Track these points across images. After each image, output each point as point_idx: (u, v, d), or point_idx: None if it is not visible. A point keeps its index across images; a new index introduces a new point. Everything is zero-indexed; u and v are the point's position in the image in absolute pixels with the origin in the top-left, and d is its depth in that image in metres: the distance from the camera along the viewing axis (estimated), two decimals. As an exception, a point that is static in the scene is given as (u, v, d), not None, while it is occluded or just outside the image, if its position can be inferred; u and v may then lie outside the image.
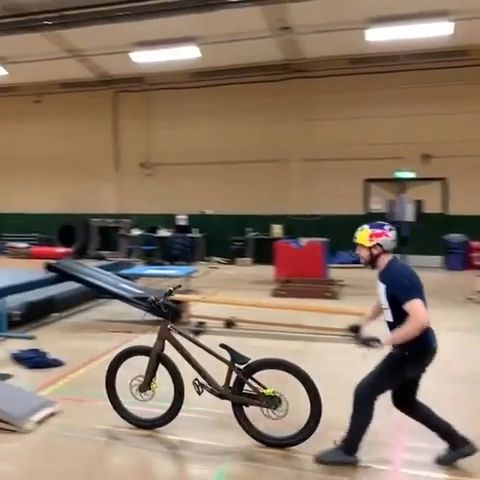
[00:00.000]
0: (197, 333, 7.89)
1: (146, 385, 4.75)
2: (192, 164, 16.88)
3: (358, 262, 4.38)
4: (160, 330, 4.82)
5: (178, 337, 4.81)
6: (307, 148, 15.97)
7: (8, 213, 18.51)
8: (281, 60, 15.74)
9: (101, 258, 15.50)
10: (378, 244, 4.12)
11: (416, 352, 3.97)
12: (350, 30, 13.25)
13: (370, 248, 4.14)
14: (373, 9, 12.55)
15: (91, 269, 10.01)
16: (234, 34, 13.59)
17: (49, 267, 9.72)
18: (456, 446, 4.16)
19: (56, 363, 6.63)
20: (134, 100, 17.52)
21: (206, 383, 4.63)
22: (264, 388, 4.47)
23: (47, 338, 7.82)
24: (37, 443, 4.68)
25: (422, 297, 3.97)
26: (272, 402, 4.42)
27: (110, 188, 17.93)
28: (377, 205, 13.42)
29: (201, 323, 8.31)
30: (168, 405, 4.75)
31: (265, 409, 4.45)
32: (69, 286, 9.74)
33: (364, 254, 4.19)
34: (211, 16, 12.13)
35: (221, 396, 4.59)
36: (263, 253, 14.75)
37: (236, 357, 4.52)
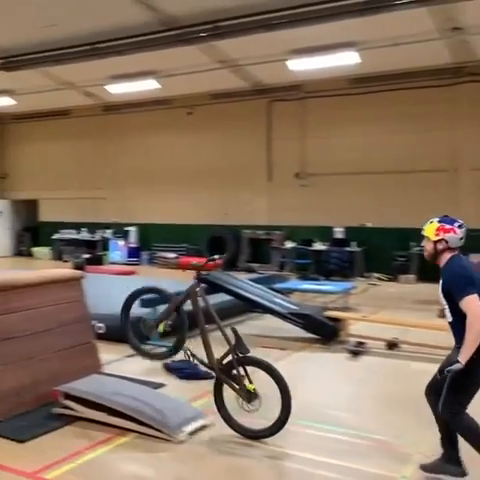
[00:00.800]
0: (356, 353, 7.69)
1: (156, 324, 5.51)
2: (349, 174, 16.68)
3: None
4: (190, 287, 5.69)
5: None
6: (482, 157, 15.18)
7: (159, 223, 19.49)
8: (451, 63, 15.10)
9: (252, 271, 15.75)
10: (444, 239, 4.16)
11: None
12: None
13: (435, 242, 4.20)
14: None
15: (242, 281, 10.14)
16: (397, 38, 13.25)
17: (199, 278, 10.01)
18: (450, 460, 4.20)
19: (207, 376, 6.74)
20: (289, 109, 17.70)
21: (197, 355, 5.41)
22: (249, 382, 5.01)
23: (197, 349, 8.00)
24: (187, 454, 4.77)
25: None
26: (249, 395, 4.98)
27: (262, 199, 18.22)
28: None
29: (360, 343, 8.09)
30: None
31: (240, 399, 5.02)
32: (219, 298, 9.95)
33: (428, 247, 4.26)
34: (372, 20, 11.94)
35: (210, 367, 5.30)
36: (429, 270, 14.05)
37: (240, 345, 5.13)
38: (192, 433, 5.08)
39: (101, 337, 7.44)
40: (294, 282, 13.02)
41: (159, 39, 13.83)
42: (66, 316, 6.42)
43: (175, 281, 12.58)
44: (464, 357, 3.91)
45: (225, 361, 5.22)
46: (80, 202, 20.70)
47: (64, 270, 6.43)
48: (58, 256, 20.27)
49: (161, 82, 17.19)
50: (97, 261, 18.81)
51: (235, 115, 18.21)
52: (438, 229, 4.19)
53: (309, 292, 11.45)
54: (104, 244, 20.32)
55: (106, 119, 20.54)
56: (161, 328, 5.54)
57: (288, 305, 9.20)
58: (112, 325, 8.33)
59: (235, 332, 5.16)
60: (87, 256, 18.70)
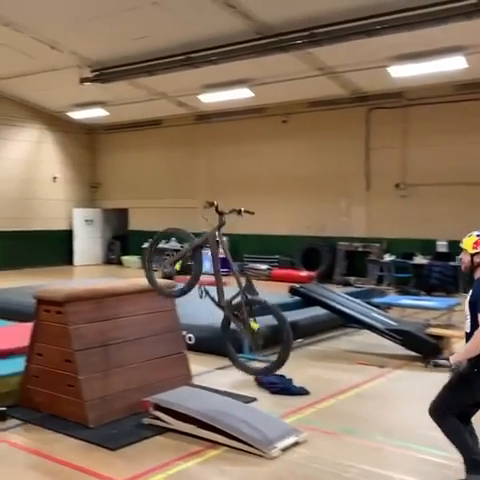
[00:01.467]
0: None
1: (173, 262, 6.11)
2: (454, 184, 16.15)
3: None
4: (209, 232, 6.15)
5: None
6: None
7: (250, 233, 19.61)
8: None
9: (348, 284, 15.57)
10: None
11: None
12: None
13: (472, 255, 4.38)
14: None
15: (338, 295, 10.07)
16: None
17: (293, 291, 10.03)
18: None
19: (301, 391, 6.74)
20: (389, 116, 17.38)
21: (211, 295, 5.72)
22: (254, 322, 5.45)
23: (290, 364, 7.88)
24: (280, 470, 4.76)
25: None
26: (252, 333, 5.48)
27: (359, 210, 17.98)
28: None
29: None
30: None
31: (248, 339, 5.69)
32: (314, 311, 9.91)
33: (466, 260, 4.43)
34: (480, 23, 11.64)
35: (219, 306, 5.70)
36: None
37: (250, 288, 5.55)
38: (285, 449, 5.07)
39: (190, 348, 7.56)
40: (393, 297, 12.81)
41: (254, 47, 14.00)
42: (157, 325, 6.58)
43: (266, 293, 12.66)
44: (455, 357, 4.27)
45: (234, 302, 5.60)
46: (170, 211, 21.15)
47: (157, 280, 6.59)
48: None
49: (254, 90, 17.37)
50: (187, 271, 19.09)
51: (332, 123, 18.09)
52: (476, 242, 4.37)
53: (409, 308, 11.21)
54: (193, 254, 20.58)
55: (197, 128, 20.95)
56: (178, 267, 6.20)
57: (386, 320, 9.04)
58: (202, 336, 8.48)
59: (247, 277, 5.71)
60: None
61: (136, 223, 22.87)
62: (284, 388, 6.78)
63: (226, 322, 5.72)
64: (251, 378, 7.14)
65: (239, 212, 5.98)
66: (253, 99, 17.94)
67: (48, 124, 22.09)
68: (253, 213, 5.99)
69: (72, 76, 16.85)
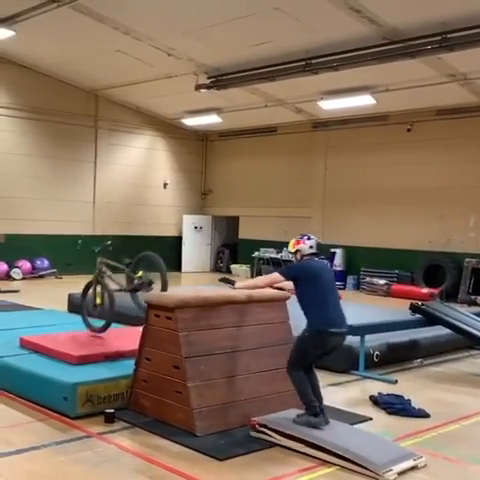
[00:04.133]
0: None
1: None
2: None
3: None
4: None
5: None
6: None
7: (367, 246, 19.29)
8: None
9: (474, 303, 15.00)
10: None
11: (312, 334, 5.63)
12: None
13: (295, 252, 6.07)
14: None
15: (464, 314, 9.72)
16: None
17: (414, 308, 9.76)
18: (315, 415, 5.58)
19: (420, 413, 6.54)
20: None
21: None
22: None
23: (408, 384, 7.82)
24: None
25: (308, 282, 5.76)
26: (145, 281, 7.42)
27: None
28: None
29: None
30: None
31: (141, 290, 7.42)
32: (436, 331, 9.63)
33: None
34: None
35: (123, 290, 7.60)
36: None
37: (130, 263, 7.54)
38: (401, 473, 4.92)
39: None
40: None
41: (378, 53, 13.86)
42: (269, 337, 6.58)
43: (384, 309, 12.43)
44: (238, 286, 6.20)
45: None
46: (282, 220, 21.19)
47: (269, 290, 6.63)
48: (257, 275, 20.91)
49: (377, 97, 17.14)
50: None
51: (462, 132, 17.48)
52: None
53: None
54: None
55: (314, 136, 20.91)
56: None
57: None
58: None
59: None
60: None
61: (246, 231, 23.11)
62: (402, 409, 6.61)
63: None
64: (366, 396, 7.03)
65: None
66: (375, 106, 17.71)
67: (161, 131, 22.85)
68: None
69: (188, 83, 17.34)
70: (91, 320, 7.87)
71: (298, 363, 5.69)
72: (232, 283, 6.18)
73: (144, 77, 18.10)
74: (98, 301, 7.69)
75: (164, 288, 7.06)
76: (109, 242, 8.11)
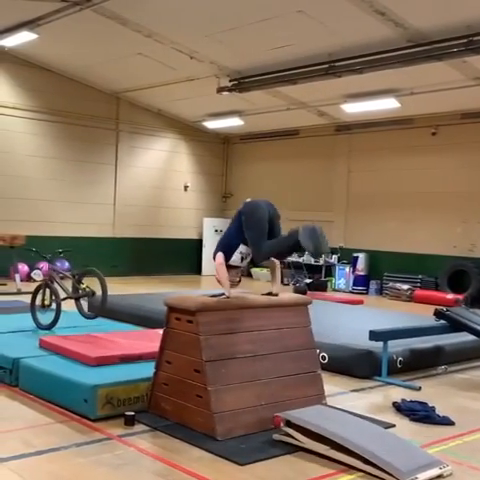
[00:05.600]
0: None
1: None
2: None
3: None
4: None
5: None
6: None
7: (391, 251, 19.15)
8: None
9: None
10: None
11: None
12: None
13: None
14: None
15: (489, 321, 9.63)
16: None
17: (439, 314, 9.68)
18: None
19: (445, 421, 6.46)
20: None
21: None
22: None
23: (432, 391, 7.74)
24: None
25: None
26: (87, 292, 8.71)
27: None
28: None
29: None
30: None
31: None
32: (461, 337, 9.54)
33: None
34: None
35: (70, 298, 8.92)
36: None
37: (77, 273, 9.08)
38: (425, 481, 4.87)
39: (323, 367, 7.47)
40: None
41: (404, 56, 13.82)
42: (290, 342, 6.55)
43: (407, 315, 12.35)
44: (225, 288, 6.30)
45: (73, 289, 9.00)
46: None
47: (291, 294, 6.60)
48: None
49: (401, 101, 17.05)
50: (320, 287, 19.11)
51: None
52: None
53: None
54: (327, 270, 20.55)
55: (337, 139, 20.88)
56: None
57: None
58: (336, 355, 8.38)
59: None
60: (309, 281, 19.11)
61: (267, 235, 23.01)
62: (426, 416, 6.53)
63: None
64: (389, 403, 6.97)
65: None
66: (399, 109, 17.64)
67: (182, 134, 22.95)
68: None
69: (209, 86, 17.40)
70: (40, 317, 8.84)
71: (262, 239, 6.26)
72: (222, 294, 6.24)
73: (166, 80, 18.20)
74: (47, 302, 8.96)
75: (104, 298, 8.29)
76: (60, 250, 9.93)
